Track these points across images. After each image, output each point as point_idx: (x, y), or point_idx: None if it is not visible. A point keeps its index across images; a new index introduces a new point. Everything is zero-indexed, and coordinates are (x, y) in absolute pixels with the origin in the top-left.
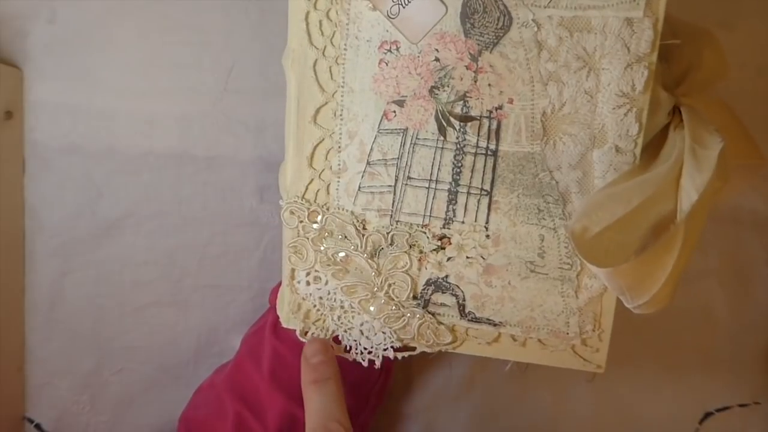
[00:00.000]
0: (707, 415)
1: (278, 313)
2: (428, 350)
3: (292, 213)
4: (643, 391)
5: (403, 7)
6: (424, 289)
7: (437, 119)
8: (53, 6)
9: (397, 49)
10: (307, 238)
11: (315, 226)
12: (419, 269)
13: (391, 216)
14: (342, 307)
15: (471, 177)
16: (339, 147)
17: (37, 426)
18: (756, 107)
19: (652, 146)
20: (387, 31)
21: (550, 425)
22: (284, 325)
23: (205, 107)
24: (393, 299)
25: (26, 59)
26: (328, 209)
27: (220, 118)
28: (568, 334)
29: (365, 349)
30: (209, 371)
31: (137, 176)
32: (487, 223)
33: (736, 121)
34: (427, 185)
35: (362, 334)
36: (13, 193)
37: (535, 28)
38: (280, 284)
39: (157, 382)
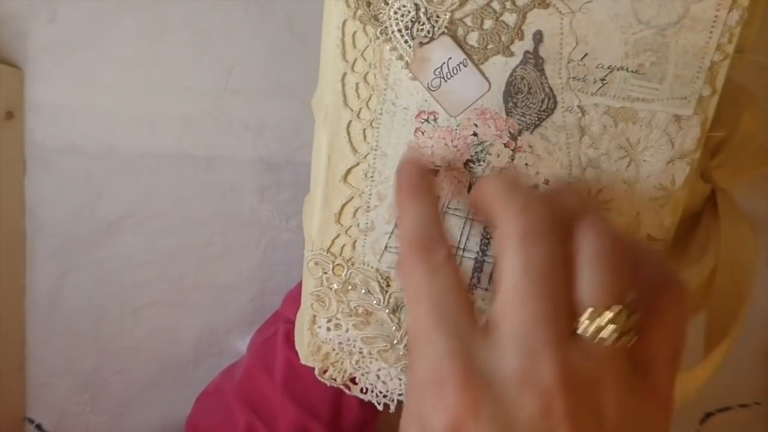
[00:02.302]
0: (708, 415)
1: (297, 349)
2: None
3: (316, 264)
4: None
5: (445, 81)
6: None
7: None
8: (53, 6)
9: (435, 119)
10: (331, 289)
11: (339, 279)
12: None
13: None
14: (360, 353)
15: None
16: (368, 207)
17: (38, 426)
18: None
19: (682, 229)
20: (426, 101)
21: None
22: (303, 362)
23: (205, 107)
24: None
25: (26, 59)
26: (353, 264)
27: (220, 118)
28: None
29: (381, 392)
30: (209, 371)
31: (137, 176)
32: None
33: None
34: (454, 252)
35: (379, 378)
36: (13, 194)
37: (580, 114)
38: (293, 293)
39: (157, 382)
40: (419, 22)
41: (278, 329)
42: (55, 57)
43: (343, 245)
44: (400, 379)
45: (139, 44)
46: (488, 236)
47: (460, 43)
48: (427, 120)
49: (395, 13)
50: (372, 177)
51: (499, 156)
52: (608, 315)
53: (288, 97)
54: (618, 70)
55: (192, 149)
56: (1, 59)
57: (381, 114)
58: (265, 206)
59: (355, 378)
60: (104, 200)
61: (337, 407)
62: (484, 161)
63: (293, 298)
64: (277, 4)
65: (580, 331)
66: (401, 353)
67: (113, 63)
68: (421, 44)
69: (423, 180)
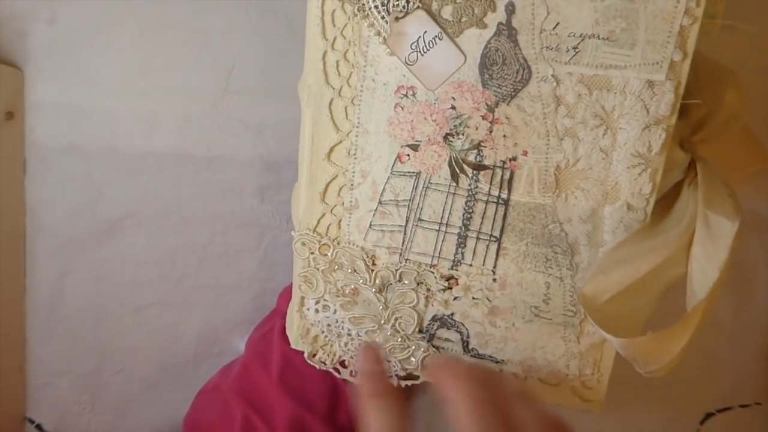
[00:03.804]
0: (708, 415)
1: (287, 333)
2: (430, 380)
3: (303, 244)
4: (645, 391)
5: (422, 55)
6: (429, 324)
7: (450, 166)
8: (53, 6)
9: (414, 94)
10: (318, 269)
11: (325, 258)
12: (426, 306)
13: (401, 254)
14: (349, 334)
15: (481, 223)
16: (352, 185)
17: (38, 426)
18: (756, 108)
19: (665, 200)
20: (404, 76)
21: None
22: (293, 346)
23: (206, 107)
24: (399, 332)
25: (26, 59)
26: (338, 243)
27: (220, 118)
28: (567, 375)
29: None
30: (210, 371)
31: (137, 176)
32: (494, 267)
33: (745, 129)
34: (437, 228)
35: None
36: (13, 194)
37: (554, 84)
38: (288, 288)
39: (157, 382)
40: None
41: (275, 324)
42: (55, 57)
43: (329, 224)
44: (388, 362)
45: (140, 44)
46: (470, 211)
47: (435, 17)
48: (406, 95)
49: None
50: (355, 155)
51: (477, 128)
52: None
53: (288, 97)
54: (589, 37)
55: (192, 149)
56: (2, 59)
57: (362, 91)
58: (265, 206)
59: (344, 361)
60: (104, 200)
61: (334, 401)
62: (463, 134)
63: (288, 293)
64: (277, 4)
65: None
66: (389, 333)
67: (113, 63)
68: (397, 19)
69: (383, 385)
